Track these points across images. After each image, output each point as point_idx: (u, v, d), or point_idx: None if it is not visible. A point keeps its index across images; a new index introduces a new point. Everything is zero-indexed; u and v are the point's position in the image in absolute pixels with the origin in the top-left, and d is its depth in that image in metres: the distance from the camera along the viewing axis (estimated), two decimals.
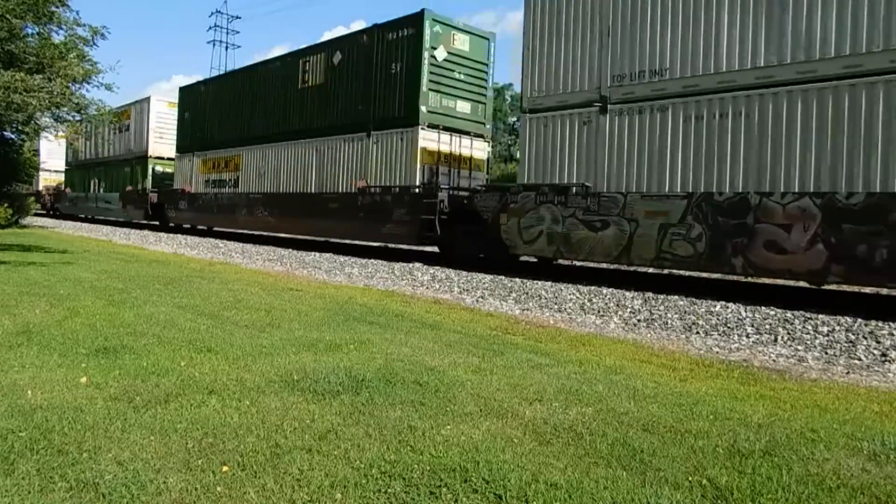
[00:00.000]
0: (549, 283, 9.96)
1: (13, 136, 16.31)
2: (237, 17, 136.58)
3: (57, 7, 11.82)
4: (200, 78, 19.98)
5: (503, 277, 10.76)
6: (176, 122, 24.38)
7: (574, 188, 10.51)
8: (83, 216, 33.35)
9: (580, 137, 10.58)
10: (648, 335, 6.61)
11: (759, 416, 3.65)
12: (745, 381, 4.60)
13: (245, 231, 21.33)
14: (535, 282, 10.15)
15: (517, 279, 10.51)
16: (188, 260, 13.23)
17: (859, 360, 5.65)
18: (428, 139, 14.17)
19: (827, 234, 7.89)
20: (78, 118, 13.75)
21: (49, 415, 3.15)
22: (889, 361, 5.54)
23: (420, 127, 14.01)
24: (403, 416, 3.38)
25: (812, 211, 8.03)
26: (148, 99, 26.58)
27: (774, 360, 5.53)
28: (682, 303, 8.18)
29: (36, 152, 30.51)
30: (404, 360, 4.69)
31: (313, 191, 16.79)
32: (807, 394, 4.28)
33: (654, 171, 9.62)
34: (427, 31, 14.03)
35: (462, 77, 14.79)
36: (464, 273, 11.33)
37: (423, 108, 14.04)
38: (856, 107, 7.82)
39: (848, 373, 5.16)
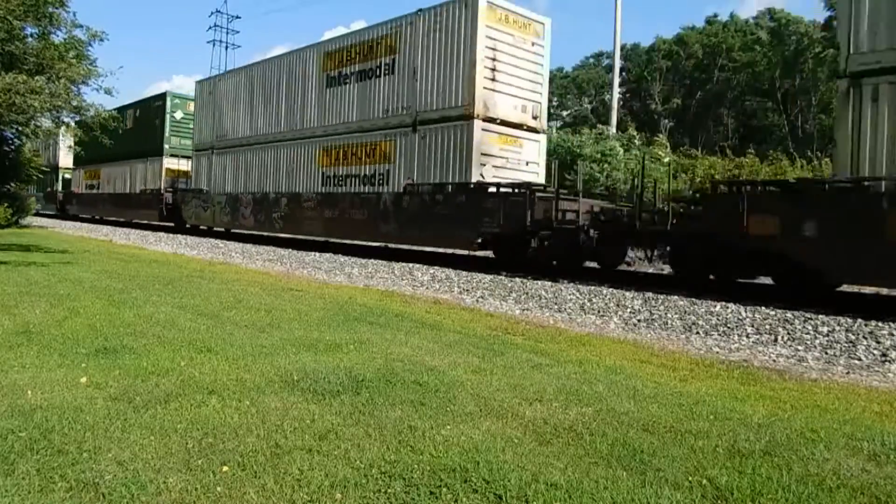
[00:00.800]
0: (549, 283, 9.97)
1: (12, 136, 16.30)
2: (237, 17, 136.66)
3: (56, 8, 11.82)
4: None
5: (503, 277, 10.77)
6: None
7: (203, 190, 22.37)
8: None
9: (206, 166, 22.47)
10: (648, 335, 6.61)
11: (759, 416, 3.65)
12: (745, 381, 4.60)
13: (100, 217, 32.02)
14: (535, 282, 10.16)
15: (517, 279, 10.52)
16: (188, 260, 13.23)
17: (859, 360, 5.64)
18: (170, 163, 25.98)
19: (255, 210, 19.31)
20: (77, 119, 13.74)
21: (49, 415, 3.15)
22: (889, 361, 5.54)
23: (164, 156, 25.83)
24: (403, 416, 3.38)
25: (248, 200, 19.64)
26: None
27: (774, 360, 5.53)
28: (682, 303, 8.18)
29: (36, 152, 30.90)
30: (404, 360, 4.69)
31: (127, 191, 28.57)
32: (807, 394, 4.28)
33: (224, 181, 21.33)
34: (168, 103, 25.99)
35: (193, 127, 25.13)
36: (464, 273, 11.34)
37: (166, 146, 25.84)
38: (273, 157, 19.04)
39: (848, 373, 5.16)
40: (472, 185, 12.78)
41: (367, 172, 15.34)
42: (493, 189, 12.51)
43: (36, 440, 2.83)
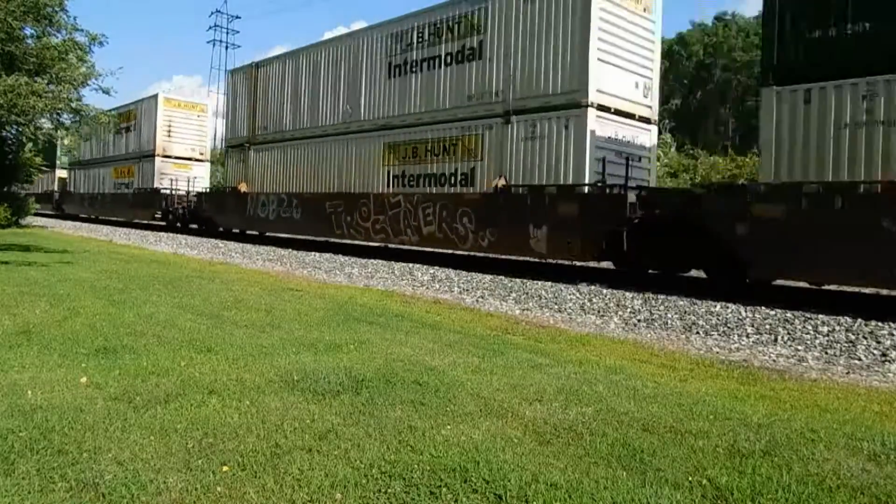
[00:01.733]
0: (549, 284, 9.97)
1: (12, 136, 16.28)
2: (237, 17, 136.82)
3: (56, 10, 11.80)
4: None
5: (503, 277, 10.77)
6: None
7: (71, 191, 36.67)
8: None
9: (74, 176, 36.80)
10: (648, 335, 6.61)
11: (759, 416, 3.65)
12: (745, 381, 4.60)
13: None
14: (535, 282, 10.16)
15: (517, 279, 10.52)
16: (188, 260, 13.23)
17: (859, 360, 5.65)
18: (61, 174, 38.29)
19: (90, 202, 33.78)
20: (76, 119, 13.71)
21: (49, 415, 3.15)
22: (889, 361, 5.54)
23: (57, 169, 38.23)
24: (403, 416, 3.38)
25: (88, 197, 34.26)
26: None
27: (774, 360, 5.53)
28: (682, 303, 8.18)
29: (35, 153, 31.08)
30: (404, 360, 4.69)
31: (39, 192, 38.01)
32: (807, 394, 4.28)
33: (81, 186, 35.15)
34: (59, 132, 33.42)
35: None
36: (464, 273, 11.34)
37: (58, 162, 37.74)
38: (97, 172, 33.72)
39: (848, 373, 5.16)
40: (154, 189, 26.58)
41: (127, 181, 29.49)
42: (162, 191, 26.25)
43: (36, 440, 2.83)
